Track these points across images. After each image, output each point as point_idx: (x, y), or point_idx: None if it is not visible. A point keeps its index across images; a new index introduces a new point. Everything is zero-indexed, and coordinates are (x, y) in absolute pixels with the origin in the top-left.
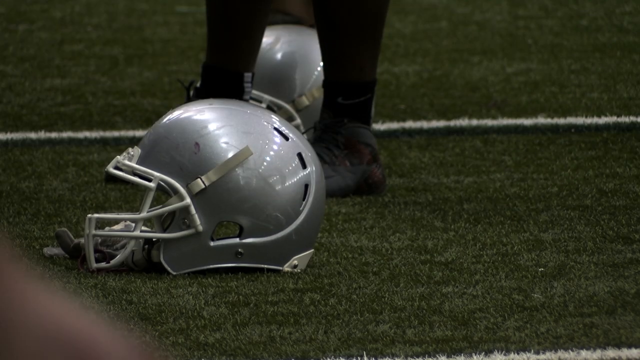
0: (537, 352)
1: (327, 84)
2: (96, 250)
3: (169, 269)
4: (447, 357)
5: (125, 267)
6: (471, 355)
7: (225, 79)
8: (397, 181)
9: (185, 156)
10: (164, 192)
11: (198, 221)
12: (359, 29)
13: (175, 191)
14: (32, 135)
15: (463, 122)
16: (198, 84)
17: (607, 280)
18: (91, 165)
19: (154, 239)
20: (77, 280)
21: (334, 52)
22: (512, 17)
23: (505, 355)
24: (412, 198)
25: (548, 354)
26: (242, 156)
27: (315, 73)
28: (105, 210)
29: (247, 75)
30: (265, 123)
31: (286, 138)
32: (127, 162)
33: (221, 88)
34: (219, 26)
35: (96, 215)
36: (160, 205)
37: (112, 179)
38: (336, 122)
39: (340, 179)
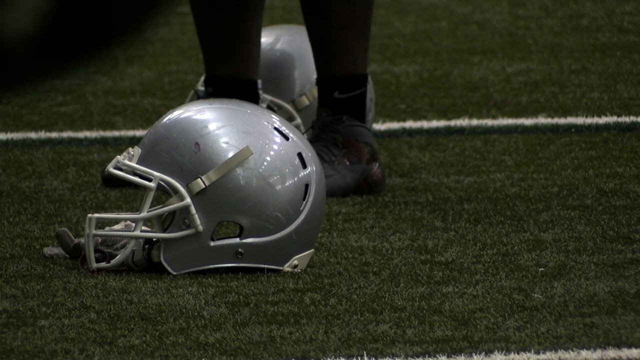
0: (537, 352)
1: (321, 81)
2: (96, 250)
3: (169, 269)
4: (447, 357)
5: (125, 267)
6: (471, 355)
7: (242, 88)
8: (397, 181)
9: (186, 156)
10: (164, 192)
11: (198, 221)
12: (349, 19)
13: (176, 191)
14: (32, 135)
15: (463, 122)
16: (201, 86)
17: (608, 280)
18: (91, 165)
19: (154, 239)
20: (77, 280)
21: (327, 46)
22: (512, 17)
23: (505, 355)
24: (412, 198)
25: (548, 354)
26: (242, 156)
27: (316, 73)
28: (105, 210)
29: (260, 82)
30: (266, 123)
31: (286, 138)
32: (127, 162)
33: (239, 98)
34: (230, 36)
35: (96, 215)
36: (161, 205)
37: (109, 182)
38: (335, 120)
39: (340, 177)
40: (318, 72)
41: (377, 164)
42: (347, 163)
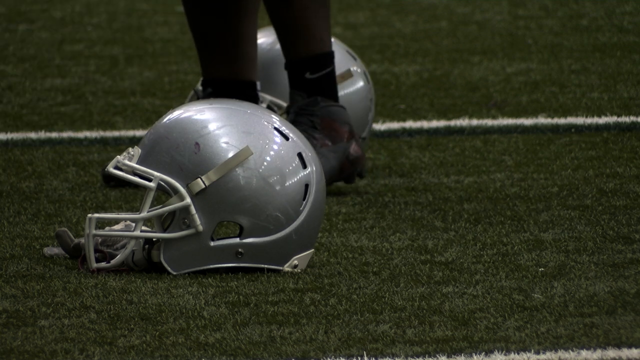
0: (537, 352)
1: (290, 64)
2: (96, 250)
3: (169, 269)
4: (447, 357)
5: (125, 267)
6: (471, 355)
7: (241, 89)
8: (397, 181)
9: (186, 156)
10: (164, 192)
11: (198, 221)
12: None
13: (176, 191)
14: (32, 135)
15: (463, 122)
16: (199, 86)
17: (607, 280)
18: (91, 165)
19: (154, 239)
20: (77, 280)
21: (292, 27)
22: (512, 17)
23: (505, 355)
24: (412, 198)
25: (548, 354)
26: (242, 156)
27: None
28: (105, 210)
29: (258, 84)
30: (266, 123)
31: (286, 138)
32: (127, 162)
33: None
34: (229, 38)
35: (96, 215)
36: (161, 205)
37: (110, 180)
38: (310, 102)
39: (325, 161)
40: (286, 55)
41: (355, 141)
42: (329, 144)
